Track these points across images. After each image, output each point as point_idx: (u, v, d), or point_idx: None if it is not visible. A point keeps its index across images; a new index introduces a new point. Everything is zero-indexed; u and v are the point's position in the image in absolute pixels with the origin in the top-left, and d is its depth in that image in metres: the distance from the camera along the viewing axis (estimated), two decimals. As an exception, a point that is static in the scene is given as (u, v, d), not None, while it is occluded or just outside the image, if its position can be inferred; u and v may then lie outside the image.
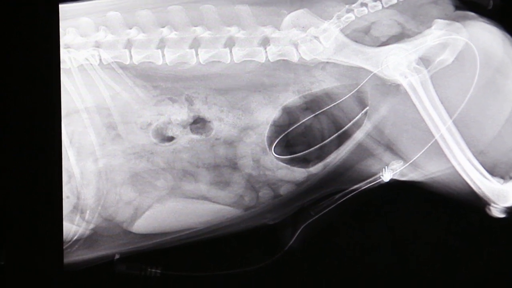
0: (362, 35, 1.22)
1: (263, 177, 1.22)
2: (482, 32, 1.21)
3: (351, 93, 1.22)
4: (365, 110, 1.22)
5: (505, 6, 1.21)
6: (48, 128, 1.17)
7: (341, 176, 1.22)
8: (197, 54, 1.21)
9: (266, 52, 1.21)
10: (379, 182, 1.22)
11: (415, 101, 1.20)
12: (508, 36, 1.21)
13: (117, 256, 1.22)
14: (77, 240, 1.21)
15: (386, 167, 1.21)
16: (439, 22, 1.21)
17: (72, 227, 1.21)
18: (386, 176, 1.19)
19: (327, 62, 1.21)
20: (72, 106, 1.20)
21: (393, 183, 1.22)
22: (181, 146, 1.21)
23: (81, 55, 1.20)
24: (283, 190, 1.22)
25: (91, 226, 1.21)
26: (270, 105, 1.22)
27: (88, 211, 1.21)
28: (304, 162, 1.22)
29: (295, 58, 1.21)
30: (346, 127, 1.22)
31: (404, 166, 1.22)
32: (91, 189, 1.21)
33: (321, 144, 1.22)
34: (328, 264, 1.23)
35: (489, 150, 1.21)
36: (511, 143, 1.21)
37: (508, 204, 1.21)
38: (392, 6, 1.22)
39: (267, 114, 1.22)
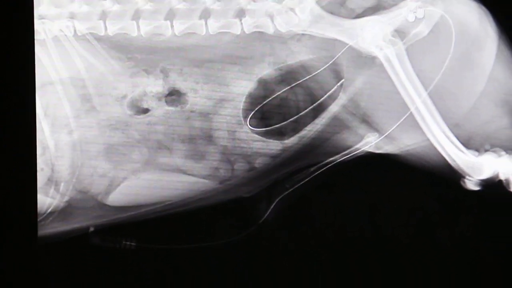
0: (338, 7, 1.23)
1: (238, 150, 1.23)
2: (457, 5, 1.23)
3: (327, 65, 1.23)
4: (340, 82, 1.23)
5: (481, -21, 1.23)
6: (22, 99, 1.18)
7: (316, 148, 1.24)
8: (172, 26, 1.22)
9: (241, 23, 1.22)
10: (355, 154, 1.23)
11: (390, 74, 1.23)
12: (484, 8, 1.23)
13: (91, 229, 1.23)
14: (51, 213, 1.22)
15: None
16: (415, -5, 1.23)
17: (47, 199, 1.21)
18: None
19: (303, 34, 1.23)
20: (47, 78, 1.21)
21: (369, 155, 1.24)
22: (156, 118, 1.22)
23: (56, 26, 1.21)
24: (258, 162, 1.24)
25: (66, 198, 1.22)
26: (246, 77, 1.23)
27: (62, 184, 1.22)
28: (279, 134, 1.23)
29: (270, 30, 1.23)
30: (321, 99, 1.23)
31: (380, 139, 1.24)
32: (65, 161, 1.22)
33: (296, 116, 1.23)
34: (303, 237, 1.24)
35: (464, 122, 1.23)
36: (486, 115, 1.24)
37: (482, 177, 1.23)
38: (368, -22, 1.23)
39: (242, 86, 1.23)
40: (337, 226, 1.25)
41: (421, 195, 1.25)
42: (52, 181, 1.22)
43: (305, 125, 1.23)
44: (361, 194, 1.25)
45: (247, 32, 1.22)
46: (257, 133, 1.23)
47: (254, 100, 1.23)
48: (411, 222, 1.25)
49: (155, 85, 1.22)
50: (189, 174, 1.23)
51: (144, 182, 1.23)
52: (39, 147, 1.20)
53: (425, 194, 1.25)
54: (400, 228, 1.25)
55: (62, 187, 1.22)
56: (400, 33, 1.23)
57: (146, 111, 1.23)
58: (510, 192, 1.23)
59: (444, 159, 1.22)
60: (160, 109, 1.22)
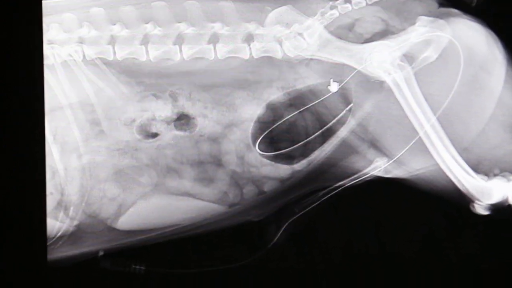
0: (346, 32, 1.25)
1: (247, 174, 1.25)
2: (465, 29, 1.24)
3: (335, 89, 1.24)
4: (349, 107, 1.25)
5: (489, 3, 1.24)
6: (31, 124, 1.20)
7: (325, 173, 1.25)
8: (181, 50, 1.23)
9: (250, 48, 1.24)
10: (363, 179, 1.24)
11: (399, 98, 1.24)
12: (492, 33, 1.24)
13: (101, 253, 1.24)
14: (61, 237, 1.24)
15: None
16: (423, 19, 1.24)
17: (56, 223, 1.23)
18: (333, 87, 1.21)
19: (311, 59, 1.24)
20: (56, 102, 1.23)
21: (378, 180, 1.25)
22: (165, 143, 1.24)
23: (65, 51, 1.23)
24: (268, 186, 1.25)
25: (75, 222, 1.24)
26: (254, 101, 1.25)
27: (72, 208, 1.23)
28: (289, 158, 1.25)
29: (279, 55, 1.24)
30: (330, 124, 1.25)
31: (388, 163, 1.25)
32: (75, 185, 1.23)
33: (305, 140, 1.24)
34: (312, 261, 1.25)
35: (473, 147, 1.24)
36: (495, 140, 1.24)
37: (492, 201, 1.24)
38: (376, 3, 1.25)
39: (251, 111, 1.25)
40: (346, 250, 1.26)
41: (430, 220, 1.26)
42: (61, 205, 1.23)
43: (314, 149, 1.25)
44: (369, 219, 1.26)
45: (255, 57, 1.24)
46: (266, 157, 1.25)
47: (263, 125, 1.25)
48: (420, 246, 1.26)
49: (164, 110, 1.24)
50: (198, 198, 1.25)
51: (153, 206, 1.25)
52: (48, 172, 1.22)
53: (434, 218, 1.26)
54: (409, 253, 1.25)
55: (71, 211, 1.23)
56: (408, 57, 1.24)
57: (155, 135, 1.24)
58: (519, 216, 1.24)
59: (453, 183, 1.23)
60: (169, 134, 1.24)
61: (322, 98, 1.24)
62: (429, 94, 1.23)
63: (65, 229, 1.23)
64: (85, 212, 1.24)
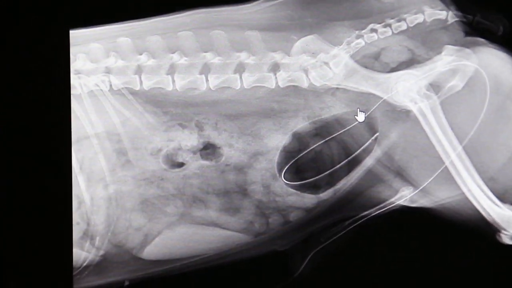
0: (372, 61, 1.27)
1: (273, 203, 1.26)
2: (492, 58, 1.26)
3: (362, 120, 1.26)
4: (375, 136, 1.26)
5: (514, 32, 1.26)
6: (58, 154, 1.22)
7: (351, 202, 1.27)
8: (207, 80, 1.25)
9: (276, 77, 1.26)
10: (389, 208, 1.26)
11: (425, 127, 1.25)
12: (517, 62, 1.26)
13: (126, 283, 1.26)
14: (87, 267, 1.26)
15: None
16: (449, 48, 1.26)
17: (82, 253, 1.25)
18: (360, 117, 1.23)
19: (337, 88, 1.26)
20: (82, 132, 1.25)
21: (403, 209, 1.26)
22: (191, 172, 1.26)
23: (91, 81, 1.25)
24: (293, 216, 1.27)
25: (101, 252, 1.25)
26: (280, 131, 1.26)
27: (98, 237, 1.25)
28: (314, 188, 1.26)
29: (305, 84, 1.26)
30: (356, 153, 1.26)
31: (414, 193, 1.26)
32: (101, 215, 1.25)
33: (331, 170, 1.26)
34: (338, 291, 1.27)
35: (500, 176, 1.25)
36: (520, 169, 1.25)
37: (518, 230, 1.24)
38: (402, 32, 1.27)
39: (277, 140, 1.26)
40: (372, 280, 1.27)
41: (457, 249, 1.27)
42: (87, 235, 1.25)
43: (340, 178, 1.26)
44: (395, 248, 1.27)
45: (281, 86, 1.26)
46: (292, 186, 1.26)
47: (288, 154, 1.26)
48: (447, 276, 1.26)
49: (190, 139, 1.26)
50: (224, 228, 1.26)
51: (179, 236, 1.26)
52: (75, 201, 1.24)
53: (460, 248, 1.27)
54: (436, 282, 1.26)
55: (97, 241, 1.25)
56: (434, 87, 1.26)
57: (181, 165, 1.26)
58: (546, 247, 1.25)
59: (479, 213, 1.24)
60: (195, 163, 1.26)
61: (348, 128, 1.26)
62: (455, 124, 1.25)
63: (91, 259, 1.25)
64: (111, 242, 1.25)
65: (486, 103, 1.25)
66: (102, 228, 1.25)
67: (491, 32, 1.26)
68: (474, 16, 1.26)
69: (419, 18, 1.27)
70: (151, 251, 1.26)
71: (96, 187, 1.25)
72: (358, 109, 1.25)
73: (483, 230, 1.25)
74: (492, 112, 1.25)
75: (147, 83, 1.26)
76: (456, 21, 1.27)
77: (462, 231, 1.26)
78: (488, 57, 1.26)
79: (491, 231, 1.25)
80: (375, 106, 1.26)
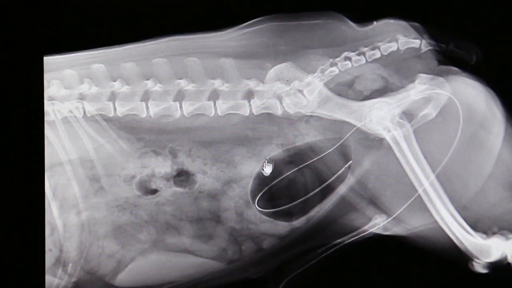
0: (346, 89, 1.28)
1: (246, 231, 1.27)
2: (465, 87, 1.27)
3: (335, 146, 1.28)
4: (348, 164, 1.28)
5: (488, 61, 1.28)
6: (31, 180, 1.24)
7: (324, 230, 1.28)
8: (181, 107, 1.27)
9: (250, 105, 1.27)
10: (362, 236, 1.27)
11: (398, 155, 1.26)
12: (491, 91, 1.27)
13: (99, 309, 1.27)
14: (59, 293, 1.26)
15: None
16: (423, 77, 1.28)
17: (54, 280, 1.26)
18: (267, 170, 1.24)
19: (311, 116, 1.28)
20: (56, 158, 1.26)
21: (377, 237, 1.28)
22: (164, 199, 1.27)
23: (65, 107, 1.27)
24: (266, 243, 1.28)
25: (73, 279, 1.26)
26: (254, 158, 1.28)
27: (70, 264, 1.26)
28: (288, 215, 1.27)
29: (279, 111, 1.27)
30: (329, 181, 1.27)
31: (388, 221, 1.28)
32: (73, 241, 1.26)
33: (304, 197, 1.27)
34: (311, 318, 1.28)
35: (472, 205, 1.26)
36: (493, 198, 1.27)
37: (490, 260, 1.26)
38: (375, 60, 1.28)
39: (250, 167, 1.28)
40: (345, 308, 1.28)
41: (429, 278, 1.28)
42: (60, 261, 1.26)
43: (313, 206, 1.27)
44: (368, 276, 1.29)
45: (255, 114, 1.27)
46: (265, 214, 1.27)
47: (262, 181, 1.27)
48: (419, 305, 1.28)
49: (163, 166, 1.27)
50: (197, 255, 1.27)
51: (152, 263, 1.27)
52: (47, 228, 1.25)
53: (433, 276, 1.28)
54: (408, 311, 1.28)
55: (70, 267, 1.26)
56: (407, 115, 1.27)
57: (154, 191, 1.27)
58: (518, 275, 1.26)
59: (452, 241, 1.25)
60: (169, 190, 1.27)
61: (321, 155, 1.27)
62: (428, 152, 1.26)
63: (63, 286, 1.26)
64: (84, 269, 1.26)
65: (459, 131, 1.26)
66: (75, 254, 1.26)
67: (464, 61, 1.28)
68: (448, 45, 1.28)
69: (393, 46, 1.28)
70: (123, 278, 1.27)
71: (69, 213, 1.26)
72: (266, 161, 1.26)
73: (456, 258, 1.26)
74: (465, 141, 1.27)
75: (121, 110, 1.27)
76: (429, 49, 1.28)
77: (435, 259, 1.27)
78: (461, 86, 1.27)
79: (464, 260, 1.26)
80: (348, 134, 1.27)
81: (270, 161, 1.24)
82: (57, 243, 1.26)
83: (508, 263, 1.26)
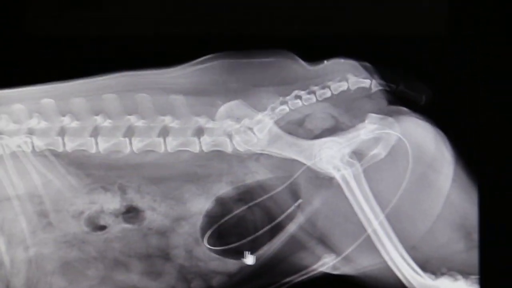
0: (296, 127, 1.29)
1: (195, 268, 1.28)
2: (414, 128, 1.28)
3: (285, 185, 1.28)
4: (298, 202, 1.29)
5: (438, 102, 1.29)
6: (-22, 215, 1.23)
7: (273, 268, 1.28)
8: (130, 143, 1.27)
9: (200, 142, 1.28)
10: (312, 275, 1.28)
11: (348, 195, 1.27)
12: (440, 132, 1.28)
13: None
14: (5, 330, 1.27)
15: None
16: (372, 116, 1.29)
17: (0, 317, 1.26)
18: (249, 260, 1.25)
19: (261, 154, 1.28)
20: (3, 193, 1.27)
21: (326, 276, 1.28)
22: (113, 235, 1.27)
23: (14, 142, 1.27)
24: (216, 281, 1.28)
25: (19, 316, 1.26)
26: (203, 195, 1.28)
27: (16, 301, 1.26)
28: (237, 253, 1.28)
29: (229, 149, 1.28)
30: (279, 219, 1.28)
31: (337, 260, 1.28)
32: (21, 278, 1.26)
33: (254, 236, 1.28)
34: None
35: (421, 245, 1.27)
36: (442, 239, 1.28)
37: (438, 300, 1.27)
38: (326, 99, 1.29)
39: (200, 205, 1.28)
40: None
41: (377, 318, 1.29)
42: (6, 298, 1.26)
43: (263, 244, 1.28)
44: (317, 315, 1.29)
45: (205, 151, 1.28)
46: (215, 251, 1.28)
47: (211, 219, 1.28)
48: None
49: (112, 202, 1.28)
50: (145, 292, 1.28)
51: (99, 300, 1.27)
52: (-6, 264, 1.24)
53: (381, 316, 1.29)
54: None
55: (16, 304, 1.26)
56: (357, 154, 1.28)
57: (103, 228, 1.28)
58: (465, 318, 1.27)
59: (401, 281, 1.26)
60: (117, 226, 1.28)
61: (271, 193, 1.28)
62: (378, 191, 1.27)
63: (9, 323, 1.26)
64: (30, 306, 1.26)
65: (408, 171, 1.27)
66: (21, 291, 1.26)
67: (414, 101, 1.29)
68: (397, 85, 1.29)
69: (343, 85, 1.30)
70: (70, 316, 1.27)
71: (17, 249, 1.26)
72: (247, 253, 1.26)
73: None
74: (414, 181, 1.27)
75: (70, 145, 1.27)
76: (379, 89, 1.30)
77: None
78: (411, 126, 1.28)
79: None
80: (298, 173, 1.28)
81: (252, 252, 1.25)
82: (4, 279, 1.26)
83: None
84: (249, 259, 1.25)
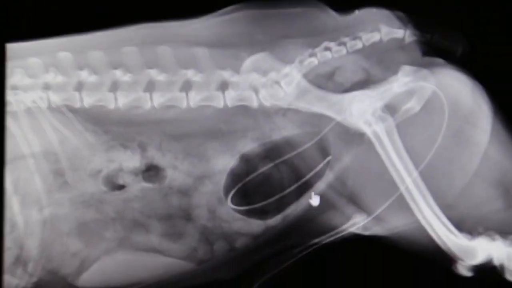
0: (325, 81, 1.24)
1: (218, 229, 1.23)
2: (450, 80, 1.24)
3: (313, 141, 1.24)
4: (327, 159, 1.24)
5: (475, 53, 1.24)
6: (-9, 174, 1.18)
7: (300, 229, 1.24)
8: (151, 98, 1.23)
9: (224, 96, 1.23)
10: (341, 236, 1.23)
11: (379, 151, 1.23)
12: (477, 84, 1.24)
13: (61, 311, 1.22)
14: (19, 294, 1.22)
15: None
16: (406, 69, 1.24)
17: (14, 280, 1.21)
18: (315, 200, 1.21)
19: (288, 109, 1.24)
20: (18, 151, 1.22)
21: (356, 237, 1.24)
22: (132, 195, 1.23)
23: (29, 98, 1.22)
24: (239, 243, 1.24)
25: (34, 279, 1.21)
26: (228, 153, 1.24)
27: (31, 263, 1.21)
28: (262, 213, 1.23)
29: (254, 104, 1.24)
30: (307, 177, 1.23)
31: (368, 220, 1.24)
32: (35, 239, 1.21)
33: (280, 195, 1.23)
34: (286, 323, 1.24)
35: (457, 203, 1.23)
36: (480, 196, 1.23)
37: (475, 262, 1.22)
38: (357, 51, 1.25)
39: (224, 162, 1.24)
40: (322, 312, 1.24)
41: (412, 280, 1.25)
42: (20, 260, 1.21)
43: (290, 204, 1.23)
44: (348, 278, 1.25)
45: (230, 106, 1.23)
46: (239, 212, 1.23)
47: (236, 177, 1.23)
48: (400, 309, 1.24)
49: (132, 160, 1.23)
50: (166, 255, 1.23)
51: (117, 263, 1.23)
52: (7, 225, 1.20)
53: (415, 278, 1.24)
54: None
55: (30, 267, 1.21)
56: (390, 108, 1.23)
57: (121, 187, 1.23)
58: (504, 279, 1.22)
59: (435, 242, 1.22)
60: (137, 186, 1.23)
61: (299, 150, 1.23)
62: (411, 147, 1.22)
63: (23, 286, 1.21)
64: (45, 268, 1.22)
65: (443, 126, 1.23)
66: (36, 253, 1.21)
67: (450, 53, 1.24)
68: (433, 36, 1.25)
69: (375, 36, 1.25)
70: (87, 279, 1.22)
71: (31, 209, 1.22)
72: (313, 193, 1.22)
73: (439, 260, 1.22)
74: (449, 136, 1.23)
75: (88, 101, 1.23)
76: (413, 40, 1.25)
77: (417, 261, 1.23)
78: (446, 78, 1.24)
79: (447, 262, 1.22)
80: (327, 128, 1.24)
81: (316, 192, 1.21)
82: (17, 241, 1.21)
83: (494, 266, 1.22)
84: (315, 200, 1.20)
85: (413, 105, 1.23)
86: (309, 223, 1.24)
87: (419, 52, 1.25)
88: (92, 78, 1.22)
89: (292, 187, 1.23)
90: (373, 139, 1.23)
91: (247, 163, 1.24)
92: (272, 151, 1.23)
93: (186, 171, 1.23)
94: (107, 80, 1.22)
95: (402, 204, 1.22)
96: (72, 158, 1.22)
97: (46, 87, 1.22)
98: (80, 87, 1.22)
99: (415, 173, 1.22)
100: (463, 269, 1.22)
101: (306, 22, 1.24)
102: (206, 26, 1.24)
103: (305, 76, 1.24)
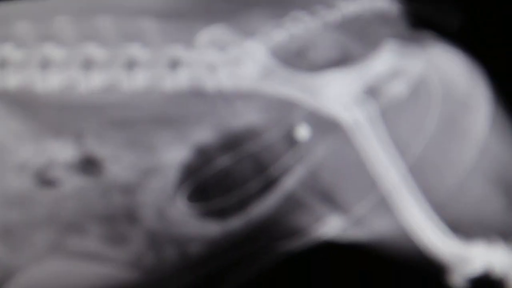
0: (295, 58, 1.17)
1: (168, 232, 1.17)
2: (443, 58, 1.19)
3: (281, 130, 1.16)
4: (297, 151, 1.17)
5: (472, 27, 1.21)
6: None
7: (265, 232, 1.18)
8: (88, 78, 1.14)
9: (174, 76, 1.14)
10: (313, 241, 1.17)
11: (359, 142, 1.16)
12: (474, 64, 1.19)
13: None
14: None
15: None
16: (391, 44, 1.18)
17: None
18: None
19: (251, 91, 1.15)
20: None
21: (331, 242, 1.17)
22: (66, 192, 1.15)
23: None
24: (193, 249, 1.17)
25: None
26: (179, 142, 1.16)
27: None
28: (220, 214, 1.17)
29: (211, 85, 1.15)
30: (272, 171, 1.16)
31: (344, 222, 1.18)
32: (-50, 244, 1.16)
33: (241, 192, 1.16)
34: None
35: (451, 203, 1.18)
36: (477, 195, 1.19)
37: (471, 271, 1.15)
38: (333, 22, 1.18)
39: (174, 154, 1.16)
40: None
41: (395, 294, 1.21)
42: None
43: (252, 203, 1.17)
44: (320, 289, 1.20)
45: (181, 87, 1.14)
46: (192, 212, 1.16)
47: (189, 171, 1.16)
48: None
49: (65, 151, 1.15)
50: (106, 263, 1.16)
51: (48, 273, 1.16)
52: None
53: (400, 291, 1.21)
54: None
55: None
56: (372, 91, 1.16)
57: (53, 183, 1.15)
58: (506, 292, 1.20)
59: (425, 248, 1.15)
60: (71, 181, 1.15)
61: (264, 140, 1.16)
62: (398, 137, 1.16)
63: None
64: (-38, 279, 1.17)
65: (435, 113, 1.17)
66: (-49, 261, 1.16)
67: (443, 27, 1.20)
68: (423, 7, 1.21)
69: (355, 5, 1.19)
70: (11, 291, 1.19)
71: None
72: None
73: (429, 270, 1.16)
74: (442, 125, 1.18)
75: (12, 80, 1.12)
76: (401, 12, 1.21)
77: (402, 271, 1.18)
78: (439, 56, 1.19)
79: (438, 271, 1.16)
80: (298, 114, 1.16)
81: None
82: None
83: (493, 276, 1.16)
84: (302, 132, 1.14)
85: (399, 88, 1.17)
86: (274, 225, 1.17)
87: (407, 26, 1.20)
88: (17, 54, 1.13)
89: (256, 183, 1.16)
90: (352, 127, 1.15)
91: (202, 155, 1.16)
92: (232, 141, 1.16)
93: (129, 164, 1.15)
94: (36, 56, 1.13)
95: (386, 203, 1.16)
96: (-6, 149, 1.17)
97: (-37, 64, 1.16)
98: (2, 64, 1.12)
99: (402, 168, 1.15)
100: (458, 279, 1.16)
101: (273, -13, 1.20)
102: (155, -7, 1.20)
103: (271, 52, 1.15)
